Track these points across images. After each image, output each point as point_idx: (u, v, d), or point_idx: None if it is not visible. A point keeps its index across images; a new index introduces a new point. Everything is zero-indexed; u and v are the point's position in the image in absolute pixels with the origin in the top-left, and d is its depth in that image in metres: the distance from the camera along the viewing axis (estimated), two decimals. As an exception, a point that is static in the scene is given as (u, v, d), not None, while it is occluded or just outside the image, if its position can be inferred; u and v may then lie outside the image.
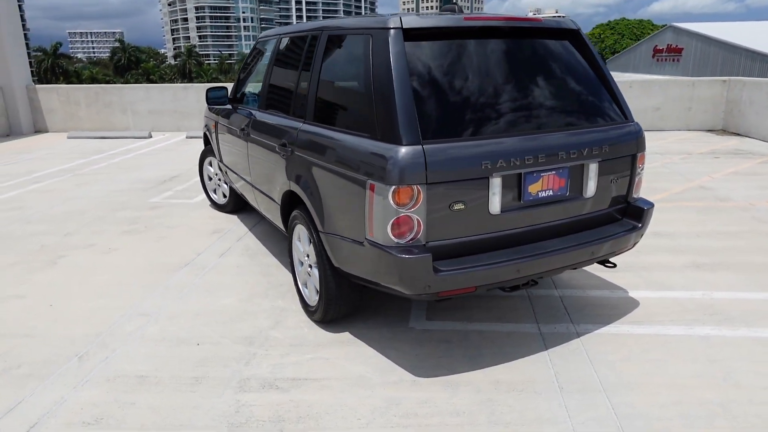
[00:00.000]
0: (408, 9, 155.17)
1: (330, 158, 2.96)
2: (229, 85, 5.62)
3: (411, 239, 2.59)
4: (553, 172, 2.83)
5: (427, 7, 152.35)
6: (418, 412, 2.61)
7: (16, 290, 4.04)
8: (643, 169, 3.25)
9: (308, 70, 3.42)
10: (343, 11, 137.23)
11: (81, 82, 55.25)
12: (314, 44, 3.43)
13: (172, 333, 3.39)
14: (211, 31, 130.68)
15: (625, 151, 3.08)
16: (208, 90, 4.67)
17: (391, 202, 2.52)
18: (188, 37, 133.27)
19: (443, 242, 2.66)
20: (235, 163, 4.78)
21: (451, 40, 2.80)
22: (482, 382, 2.84)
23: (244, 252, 4.72)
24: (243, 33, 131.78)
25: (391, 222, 2.55)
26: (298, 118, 3.46)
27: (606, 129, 3.02)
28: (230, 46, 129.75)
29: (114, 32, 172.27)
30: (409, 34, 2.71)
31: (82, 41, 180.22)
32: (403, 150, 2.50)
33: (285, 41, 4.04)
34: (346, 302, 3.25)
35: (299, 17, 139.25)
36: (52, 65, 62.18)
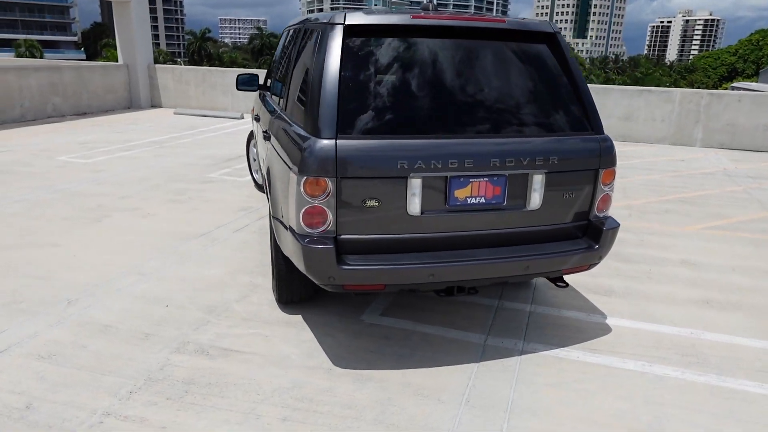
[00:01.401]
0: (542, 6, 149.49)
1: (279, 146, 3.10)
2: (263, 72, 5.93)
3: (322, 230, 2.66)
4: (486, 179, 2.72)
5: (562, 5, 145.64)
6: (314, 398, 2.69)
7: (56, 239, 4.67)
8: (610, 186, 3.00)
9: (290, 62, 3.59)
10: (474, 8, 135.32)
11: (222, 65, 60.31)
12: (297, 37, 3.58)
13: (152, 293, 3.75)
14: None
15: (583, 165, 2.87)
16: (238, 76, 5.00)
17: (302, 191, 2.60)
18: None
19: (356, 237, 2.69)
20: (257, 146, 5.10)
21: (395, 39, 2.79)
22: (394, 381, 2.83)
23: (257, 230, 5.02)
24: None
25: (302, 211, 2.64)
26: (280, 107, 3.64)
27: (558, 140, 2.82)
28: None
29: (259, 20, 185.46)
30: (352, 31, 2.75)
31: (231, 27, 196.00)
32: (317, 143, 2.57)
33: (289, 33, 4.23)
34: (297, 285, 3.38)
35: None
36: (199, 48, 68.58)
